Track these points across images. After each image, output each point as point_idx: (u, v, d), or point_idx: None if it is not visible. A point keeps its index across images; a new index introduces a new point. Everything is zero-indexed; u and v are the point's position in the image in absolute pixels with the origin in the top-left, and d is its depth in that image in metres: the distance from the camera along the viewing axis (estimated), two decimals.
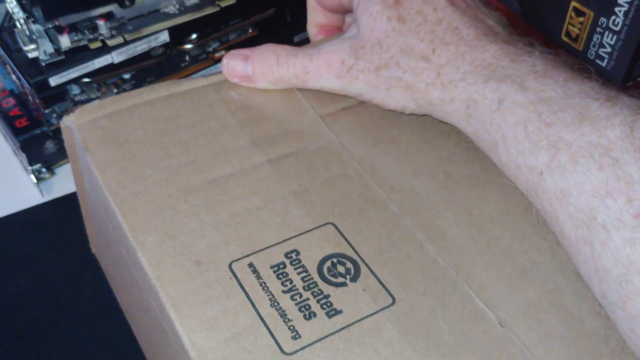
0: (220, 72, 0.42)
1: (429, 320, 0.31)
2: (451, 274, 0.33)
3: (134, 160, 0.37)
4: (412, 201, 0.36)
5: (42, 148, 0.51)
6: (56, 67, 0.48)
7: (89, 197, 0.40)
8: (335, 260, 0.33)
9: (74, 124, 0.38)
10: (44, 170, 0.51)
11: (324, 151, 0.38)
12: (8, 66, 0.52)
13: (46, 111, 0.50)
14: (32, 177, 0.51)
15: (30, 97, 0.51)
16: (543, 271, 0.34)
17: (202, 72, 0.55)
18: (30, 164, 0.50)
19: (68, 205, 0.49)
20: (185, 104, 0.40)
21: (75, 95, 0.51)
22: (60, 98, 0.51)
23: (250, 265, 0.33)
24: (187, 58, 0.55)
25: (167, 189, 0.36)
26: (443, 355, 0.30)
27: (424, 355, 0.30)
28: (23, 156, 0.50)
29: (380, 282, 0.32)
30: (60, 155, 0.52)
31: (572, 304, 0.33)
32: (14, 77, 0.52)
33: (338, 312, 0.31)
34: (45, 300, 0.46)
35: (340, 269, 0.33)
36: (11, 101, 0.52)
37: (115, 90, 0.52)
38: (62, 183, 0.51)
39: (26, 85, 0.49)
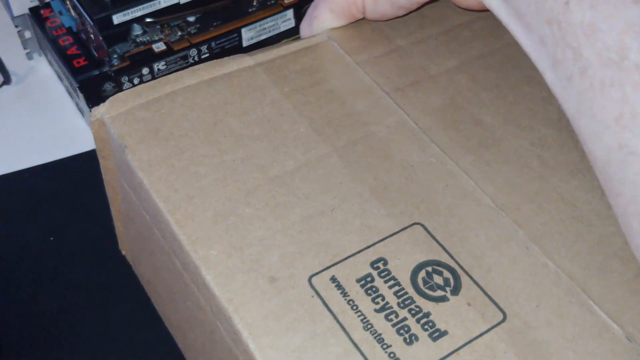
0: (267, 49, 0.37)
1: (547, 339, 0.27)
2: (565, 281, 0.29)
3: (183, 157, 0.32)
4: (507, 193, 0.32)
5: (100, 90, 0.47)
6: (120, 4, 0.44)
7: (125, 199, 0.36)
8: (429, 269, 0.29)
9: (106, 117, 0.33)
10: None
11: (397, 135, 0.34)
12: (68, 1, 0.48)
13: (108, 50, 0.45)
14: (89, 119, 0.47)
15: (91, 36, 0.47)
16: None
17: (265, 20, 0.50)
18: (88, 106, 0.47)
19: None
20: (232, 89, 0.35)
21: (137, 36, 0.47)
22: (122, 37, 0.47)
23: (333, 279, 0.28)
24: (255, 3, 0.50)
25: (225, 190, 0.31)
26: None
27: None
28: (80, 97, 0.47)
29: (486, 294, 0.28)
30: None
31: None
32: (73, 13, 0.48)
33: (443, 333, 0.27)
34: (100, 247, 0.43)
35: (438, 279, 0.28)
36: (69, 39, 0.49)
37: (179, 33, 0.48)
38: None
39: (88, 21, 0.45)
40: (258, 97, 0.35)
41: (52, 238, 0.44)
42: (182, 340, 0.38)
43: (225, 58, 0.36)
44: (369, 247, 0.29)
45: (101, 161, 0.36)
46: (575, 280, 0.29)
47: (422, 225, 0.30)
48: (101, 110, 0.34)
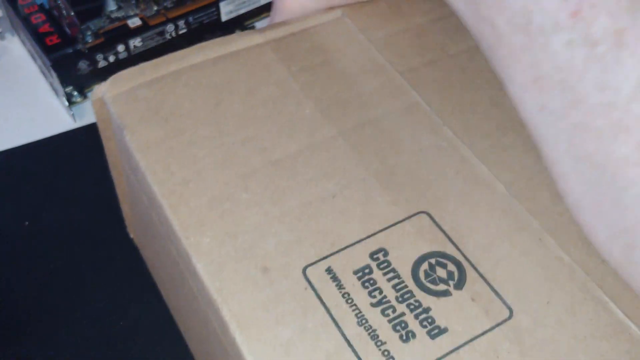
0: (278, 26, 0.35)
1: (556, 338, 0.25)
2: (580, 275, 0.27)
3: (182, 139, 0.31)
4: (523, 180, 0.29)
5: (74, 68, 0.46)
6: None
7: (128, 180, 0.34)
8: (433, 261, 0.27)
9: (107, 96, 0.32)
10: (75, 93, 0.47)
11: (408, 117, 0.32)
12: None
13: (81, 27, 0.44)
14: (64, 99, 0.47)
15: (64, 12, 0.45)
16: None
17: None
18: (62, 85, 0.46)
19: None
20: (238, 67, 0.33)
21: (112, 11, 0.46)
22: (95, 13, 0.46)
23: (329, 270, 0.27)
24: None
25: (223, 174, 0.29)
26: None
27: None
28: (54, 76, 0.46)
29: (493, 289, 0.26)
30: (94, 77, 0.47)
31: None
32: None
33: (443, 330, 0.25)
34: (74, 232, 0.42)
35: (441, 272, 0.27)
36: (41, 17, 0.47)
37: (155, 8, 0.47)
38: None
39: None
40: (264, 76, 0.33)
41: (26, 222, 0.42)
42: (183, 326, 0.37)
43: (234, 34, 0.35)
44: (369, 236, 0.28)
45: (104, 142, 0.35)
46: (592, 275, 0.27)
47: (428, 214, 0.28)
48: (102, 89, 0.32)
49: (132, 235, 0.41)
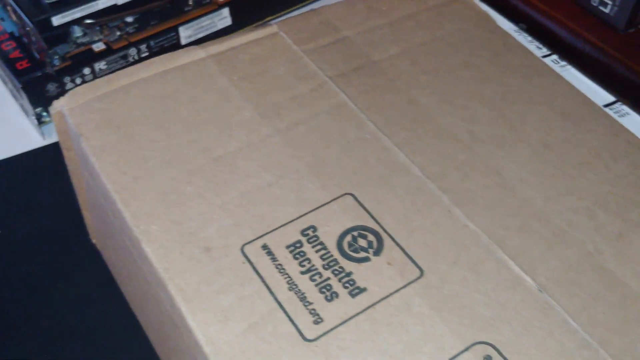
0: (218, 41, 0.39)
1: (462, 292, 0.29)
2: (483, 240, 0.30)
3: (132, 143, 0.34)
4: (436, 163, 0.33)
5: (43, 90, 0.49)
6: (59, 6, 0.47)
7: (87, 186, 0.38)
8: (355, 233, 0.30)
9: (65, 109, 0.36)
10: (44, 113, 0.50)
11: (336, 115, 0.35)
12: (9, 7, 0.50)
13: (49, 52, 0.48)
14: (34, 119, 0.50)
15: (33, 38, 0.49)
16: (581, 233, 0.31)
17: (201, 19, 0.53)
18: (32, 106, 0.49)
19: None
20: (184, 79, 0.37)
21: (78, 37, 0.49)
22: (62, 39, 0.49)
23: (264, 246, 0.30)
24: (190, 2, 0.52)
25: (169, 171, 0.33)
26: (479, 329, 0.27)
27: (458, 331, 0.27)
28: (24, 98, 0.49)
29: (406, 254, 0.30)
30: None
31: (615, 266, 0.30)
32: (14, 17, 0.50)
33: (362, 290, 0.29)
34: (45, 247, 0.45)
35: (362, 242, 0.30)
36: (12, 44, 0.51)
37: (118, 33, 0.50)
38: None
39: (28, 24, 0.47)
40: (208, 85, 0.37)
41: (0, 231, 0.45)
42: (142, 317, 0.40)
43: (179, 51, 0.39)
44: (300, 216, 0.31)
45: (64, 152, 0.38)
46: (494, 238, 0.30)
47: (353, 195, 0.32)
48: (61, 103, 0.36)
49: (94, 240, 0.44)
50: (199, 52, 0.38)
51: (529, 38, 0.42)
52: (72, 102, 0.36)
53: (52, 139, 0.50)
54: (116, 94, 0.36)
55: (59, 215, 0.46)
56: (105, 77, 0.37)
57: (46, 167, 0.49)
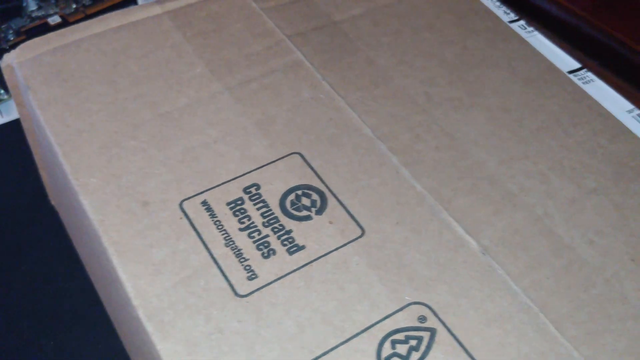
0: None
1: (402, 252, 0.28)
2: (429, 201, 0.29)
3: (79, 96, 0.33)
4: (388, 124, 0.32)
5: None
6: None
7: (39, 142, 0.37)
8: (299, 192, 0.30)
9: (15, 62, 0.35)
10: (2, 91, 0.48)
11: (291, 74, 0.35)
12: None
13: (2, 26, 0.46)
14: None
15: None
16: (532, 197, 0.30)
17: None
18: None
19: None
20: (137, 35, 0.36)
21: (32, 11, 0.48)
22: (16, 13, 0.48)
23: (204, 203, 0.29)
24: None
25: (113, 125, 0.32)
26: (416, 288, 0.27)
27: (395, 290, 0.26)
28: None
29: (349, 213, 0.29)
30: None
31: (564, 231, 0.29)
32: None
33: (300, 247, 0.28)
34: (2, 206, 0.44)
35: (305, 201, 0.29)
36: None
37: (74, 6, 0.49)
38: None
39: None
40: (160, 41, 0.36)
41: None
42: (93, 277, 0.39)
43: (135, 6, 0.38)
44: (244, 174, 0.30)
45: (18, 108, 0.37)
46: (440, 200, 0.29)
47: (300, 155, 0.31)
48: (11, 56, 0.35)
49: (53, 202, 0.43)
50: (155, 8, 0.37)
51: (497, 3, 0.41)
52: (22, 56, 0.35)
53: (10, 117, 0.49)
54: (67, 48, 0.35)
55: (20, 183, 0.45)
56: (58, 31, 0.36)
57: (3, 144, 0.47)
